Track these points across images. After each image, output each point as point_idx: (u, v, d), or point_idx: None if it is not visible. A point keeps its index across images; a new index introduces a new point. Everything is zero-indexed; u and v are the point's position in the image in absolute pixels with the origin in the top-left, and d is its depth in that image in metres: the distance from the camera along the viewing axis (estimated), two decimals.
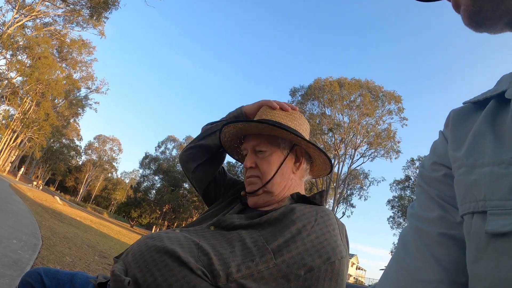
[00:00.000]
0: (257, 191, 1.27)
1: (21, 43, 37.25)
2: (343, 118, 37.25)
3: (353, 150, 37.74)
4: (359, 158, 38.28)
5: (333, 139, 37.17)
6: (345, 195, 38.77)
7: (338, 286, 1.00)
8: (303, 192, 1.30)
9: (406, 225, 0.60)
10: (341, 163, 37.53)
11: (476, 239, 0.44)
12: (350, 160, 38.08)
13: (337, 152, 36.86)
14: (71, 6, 32.06)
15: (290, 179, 1.29)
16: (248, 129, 1.32)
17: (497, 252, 0.41)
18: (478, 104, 0.57)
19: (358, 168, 38.86)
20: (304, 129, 1.36)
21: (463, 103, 0.60)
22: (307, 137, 1.36)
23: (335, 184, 37.14)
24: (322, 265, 0.98)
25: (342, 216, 38.21)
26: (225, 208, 1.35)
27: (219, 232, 1.13)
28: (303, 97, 38.49)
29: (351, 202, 39.31)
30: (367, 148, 37.81)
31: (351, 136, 36.96)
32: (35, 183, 42.10)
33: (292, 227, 1.05)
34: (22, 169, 46.64)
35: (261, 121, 1.26)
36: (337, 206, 37.17)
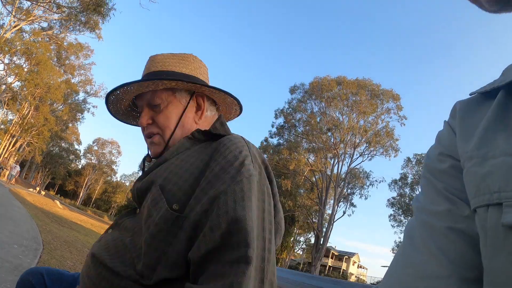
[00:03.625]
0: (163, 152, 1.15)
1: (19, 48, 37.23)
2: (342, 118, 37.26)
3: (352, 149, 37.75)
4: (358, 157, 38.33)
5: (333, 139, 37.16)
6: (345, 194, 38.73)
7: (253, 204, 0.89)
8: None
9: (411, 218, 0.57)
10: (341, 163, 37.56)
11: (493, 233, 0.42)
12: (350, 159, 38.10)
13: (337, 151, 36.85)
14: (65, 12, 32.00)
15: (194, 129, 1.15)
16: (140, 90, 1.17)
17: None
18: (485, 95, 0.55)
19: (358, 167, 38.89)
20: (202, 72, 1.25)
21: (470, 94, 0.58)
22: (207, 81, 1.26)
23: (335, 184, 37.12)
24: (228, 187, 0.88)
25: (343, 215, 38.26)
26: None
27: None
28: (303, 96, 38.54)
29: (352, 201, 39.30)
30: (366, 147, 37.82)
31: (350, 136, 36.95)
32: (38, 188, 41.40)
33: (195, 171, 0.97)
34: (38, 188, 45.30)
35: (150, 79, 1.13)
36: (338, 205, 37.19)
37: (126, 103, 1.28)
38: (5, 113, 45.06)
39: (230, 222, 0.83)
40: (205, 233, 0.84)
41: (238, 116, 1.35)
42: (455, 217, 0.49)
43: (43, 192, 33.17)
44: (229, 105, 1.28)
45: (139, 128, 1.22)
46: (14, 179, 28.35)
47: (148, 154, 1.22)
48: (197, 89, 1.18)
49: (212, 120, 1.23)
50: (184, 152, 1.06)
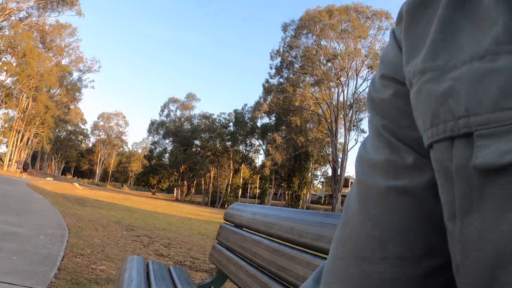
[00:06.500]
0: None
1: (1, 45, 36.70)
2: (338, 46, 36.65)
3: (355, 76, 37.38)
4: (363, 82, 38.02)
5: (333, 69, 36.77)
6: (355, 122, 38.82)
7: None
8: None
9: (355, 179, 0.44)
10: (346, 90, 37.36)
11: (462, 180, 0.29)
12: (354, 86, 37.85)
13: (339, 80, 36.53)
14: None
15: None
16: None
17: (499, 196, 0.26)
18: None
19: (364, 92, 38.63)
20: None
21: None
22: None
23: (343, 113, 37.12)
24: None
25: (356, 143, 38.59)
26: None
27: None
28: (295, 31, 37.84)
29: (362, 127, 39.49)
30: (369, 72, 37.39)
31: (350, 63, 36.46)
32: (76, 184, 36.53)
33: None
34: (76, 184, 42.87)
35: None
36: (349, 134, 37.37)
37: None
38: (6, 112, 45.19)
39: None
40: None
41: None
42: (396, 169, 0.37)
43: (79, 187, 31.42)
44: None
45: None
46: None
47: None
48: None
49: None
50: None
